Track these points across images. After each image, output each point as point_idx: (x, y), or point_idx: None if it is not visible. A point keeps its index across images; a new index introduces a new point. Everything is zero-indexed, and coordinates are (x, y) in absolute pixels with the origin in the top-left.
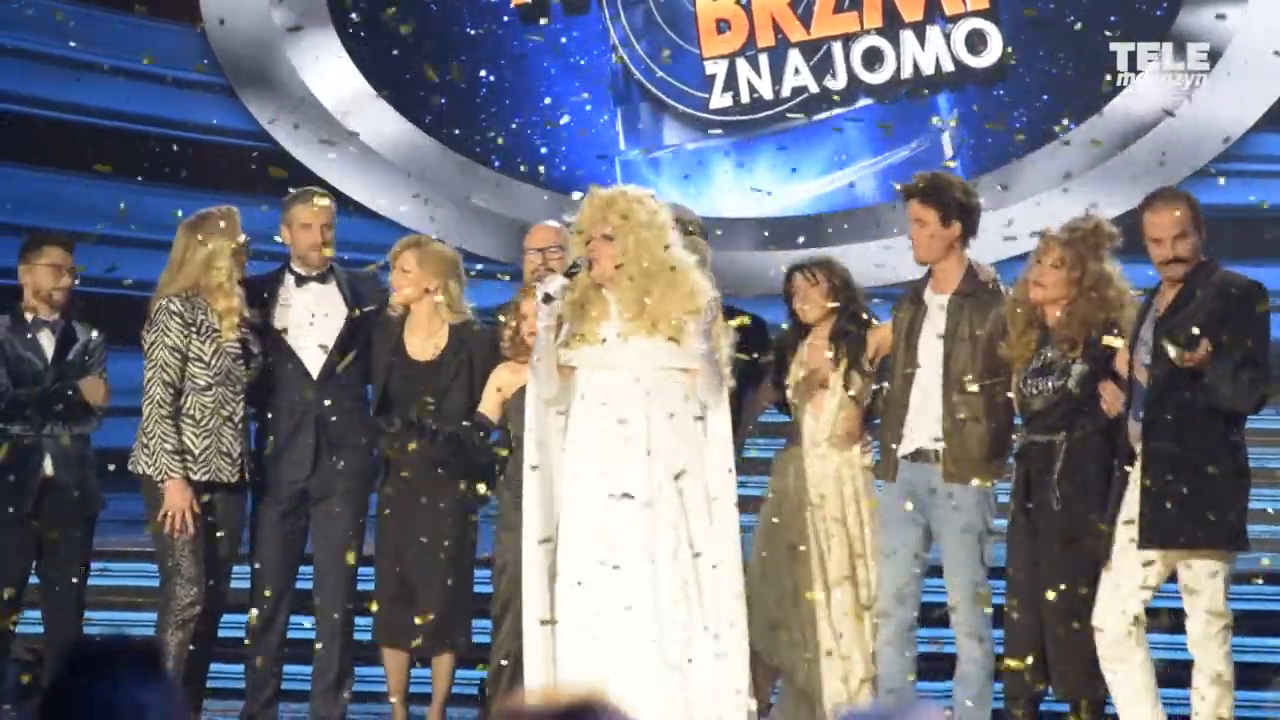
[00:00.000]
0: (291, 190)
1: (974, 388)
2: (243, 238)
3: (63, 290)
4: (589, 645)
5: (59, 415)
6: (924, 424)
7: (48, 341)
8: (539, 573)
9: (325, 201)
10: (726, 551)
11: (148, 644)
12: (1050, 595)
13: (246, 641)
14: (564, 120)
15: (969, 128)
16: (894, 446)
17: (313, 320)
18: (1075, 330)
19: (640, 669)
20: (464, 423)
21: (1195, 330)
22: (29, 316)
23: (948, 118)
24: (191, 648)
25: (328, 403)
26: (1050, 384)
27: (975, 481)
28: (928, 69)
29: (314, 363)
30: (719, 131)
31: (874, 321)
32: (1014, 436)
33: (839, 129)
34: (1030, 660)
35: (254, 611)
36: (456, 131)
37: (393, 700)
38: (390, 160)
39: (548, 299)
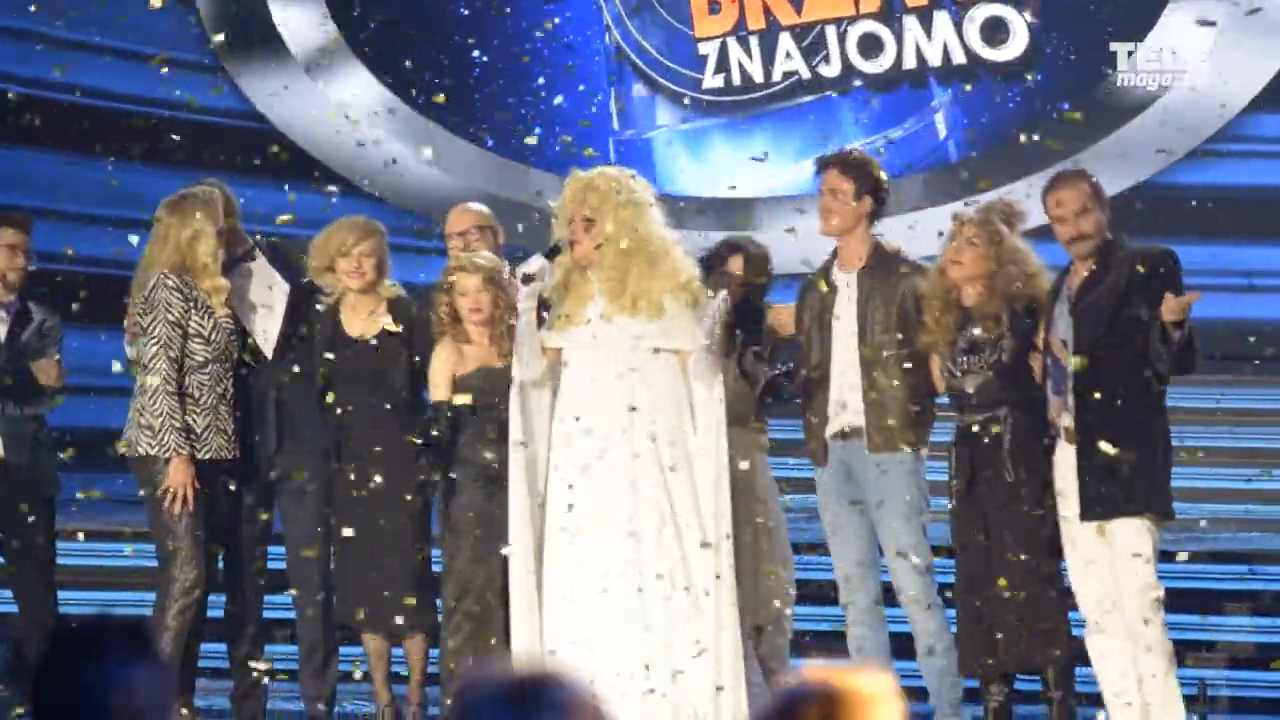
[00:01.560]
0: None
1: (890, 353)
2: (225, 216)
3: (17, 271)
4: (574, 633)
5: (12, 396)
6: (848, 402)
7: (1, 322)
8: (526, 585)
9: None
10: (713, 535)
11: (134, 622)
12: (1004, 571)
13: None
14: (557, 101)
15: (963, 109)
16: (822, 429)
17: (256, 300)
18: (997, 305)
19: (624, 646)
20: (436, 417)
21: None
22: None
23: (945, 99)
24: None
25: (283, 381)
26: (984, 360)
27: (901, 449)
28: (934, 60)
29: (265, 343)
30: (665, 125)
31: (770, 305)
32: (939, 414)
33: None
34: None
35: (230, 592)
36: (450, 113)
37: (374, 681)
38: (384, 141)
39: (527, 279)
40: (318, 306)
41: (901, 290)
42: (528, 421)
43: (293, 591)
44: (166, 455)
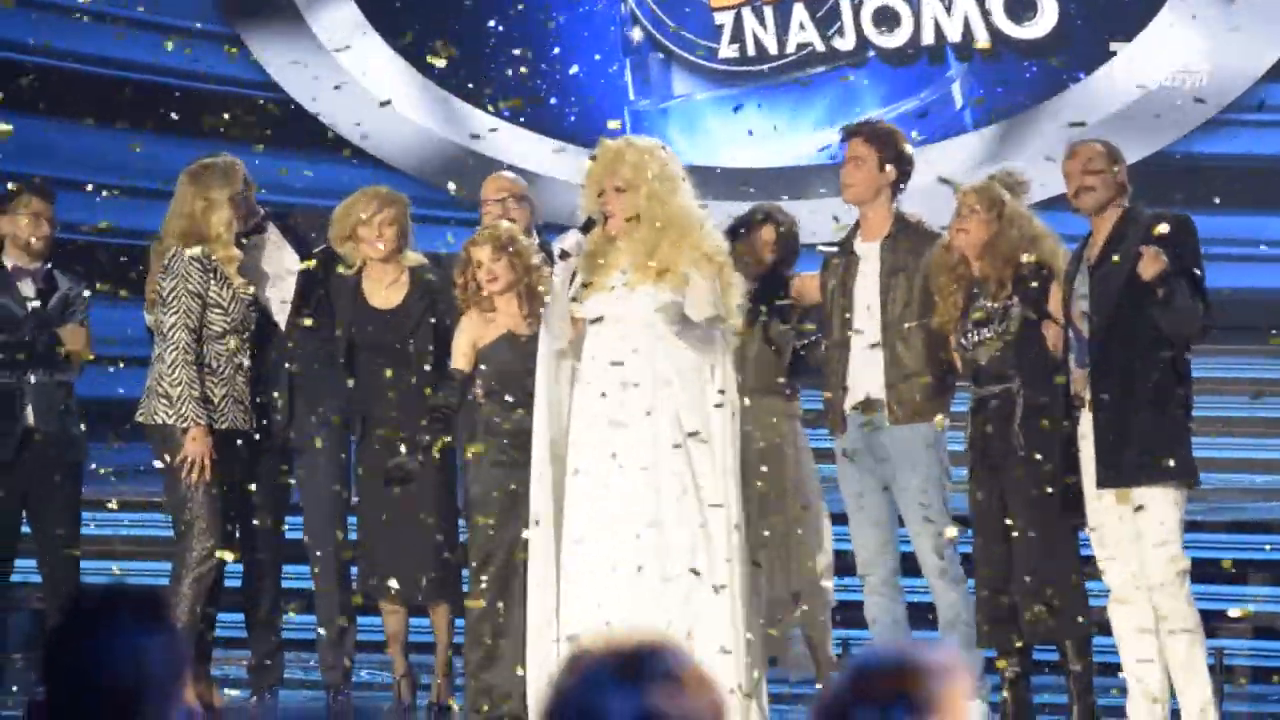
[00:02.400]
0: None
1: (911, 324)
2: (244, 187)
3: (42, 239)
4: (590, 595)
5: (40, 363)
6: (869, 372)
7: (28, 290)
8: (545, 550)
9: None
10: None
11: (149, 593)
12: (1020, 543)
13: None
14: (573, 71)
15: (979, 80)
16: (841, 399)
17: (269, 271)
18: (1002, 269)
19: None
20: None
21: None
22: (9, 265)
23: (962, 70)
24: None
25: (298, 353)
26: (993, 330)
27: (922, 421)
28: (954, 35)
29: (278, 314)
30: (682, 95)
31: (796, 274)
32: (959, 386)
33: (847, 78)
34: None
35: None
36: (466, 82)
37: (391, 651)
38: (398, 111)
39: (564, 255)
40: (337, 273)
41: (924, 261)
42: (553, 393)
43: (310, 561)
44: (184, 425)
